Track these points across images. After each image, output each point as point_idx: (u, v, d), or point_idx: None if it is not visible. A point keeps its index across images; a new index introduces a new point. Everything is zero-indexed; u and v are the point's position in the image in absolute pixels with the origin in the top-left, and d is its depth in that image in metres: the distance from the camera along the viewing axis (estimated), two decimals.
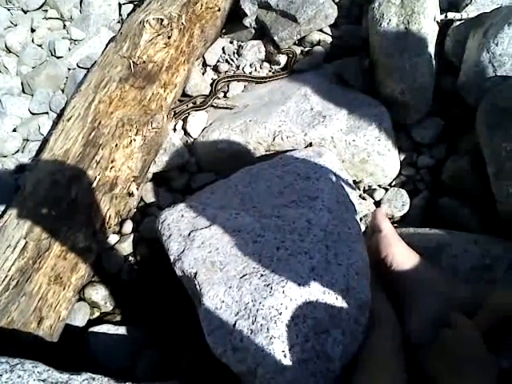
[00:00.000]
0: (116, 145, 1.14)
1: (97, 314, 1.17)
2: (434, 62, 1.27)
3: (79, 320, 1.14)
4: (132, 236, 1.23)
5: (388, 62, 1.25)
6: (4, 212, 1.15)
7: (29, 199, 1.09)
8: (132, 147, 1.16)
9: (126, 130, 1.16)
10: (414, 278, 0.91)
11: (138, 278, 1.18)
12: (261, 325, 0.77)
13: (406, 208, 1.19)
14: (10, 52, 1.69)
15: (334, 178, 1.04)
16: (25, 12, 1.78)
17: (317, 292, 0.80)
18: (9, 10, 1.79)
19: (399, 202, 1.20)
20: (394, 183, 1.26)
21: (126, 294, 1.17)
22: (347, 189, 1.05)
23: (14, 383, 0.77)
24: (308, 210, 0.94)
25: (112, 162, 1.13)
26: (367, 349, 0.82)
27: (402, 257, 0.93)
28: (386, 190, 1.24)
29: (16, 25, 1.74)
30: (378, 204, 1.23)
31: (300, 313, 0.78)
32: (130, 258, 1.22)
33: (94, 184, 1.10)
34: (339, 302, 0.81)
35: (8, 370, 0.78)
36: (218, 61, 1.57)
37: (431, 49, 1.27)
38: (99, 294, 1.17)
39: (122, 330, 1.11)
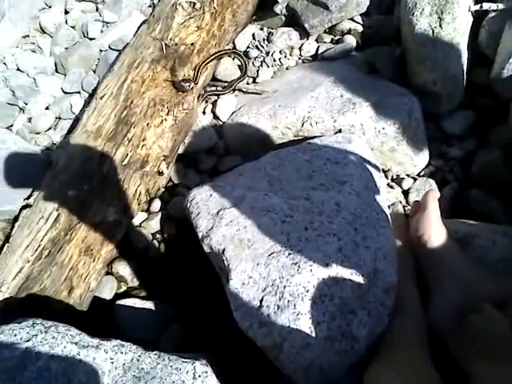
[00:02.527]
0: (147, 124, 1.16)
1: (124, 288, 1.19)
2: (467, 53, 1.26)
3: (106, 293, 1.16)
4: (160, 214, 1.25)
5: (420, 51, 1.25)
6: (37, 186, 1.17)
7: (61, 173, 1.11)
8: (163, 127, 1.17)
9: (158, 110, 1.18)
10: (443, 263, 0.92)
11: (164, 256, 1.20)
12: (288, 301, 0.78)
13: None
14: (45, 33, 1.72)
15: (363, 164, 1.04)
16: None
17: (344, 273, 0.81)
18: None
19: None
20: (422, 173, 1.26)
21: (152, 271, 1.19)
22: (376, 175, 1.05)
23: (49, 344, 0.79)
24: (337, 193, 0.95)
25: (143, 140, 1.14)
26: (392, 334, 0.82)
27: (437, 240, 0.94)
28: (415, 179, 1.24)
29: (50, 6, 1.76)
30: (406, 193, 1.23)
31: (327, 291, 0.78)
32: (157, 235, 1.24)
33: (126, 161, 1.11)
34: (366, 283, 0.81)
35: (43, 331, 0.81)
36: (248, 47, 1.57)
37: (465, 39, 1.26)
38: (126, 269, 1.19)
39: (148, 305, 1.13)
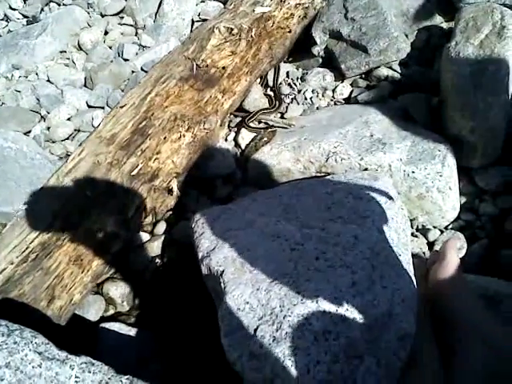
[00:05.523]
0: (165, 137, 1.11)
1: (111, 311, 1.10)
2: (509, 106, 1.19)
3: (92, 314, 1.07)
4: (163, 237, 1.18)
5: (460, 98, 1.18)
6: (39, 188, 1.11)
7: (67, 176, 1.06)
8: (180, 143, 1.12)
9: (178, 125, 1.13)
10: (467, 321, 0.80)
11: (161, 280, 1.11)
12: (286, 333, 0.68)
13: (463, 252, 1.08)
14: (81, 49, 1.73)
15: (387, 203, 0.95)
16: (102, 16, 1.84)
17: (355, 310, 0.70)
18: (88, 13, 1.86)
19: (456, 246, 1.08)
20: (450, 226, 1.16)
21: (145, 295, 1.09)
22: (401, 217, 0.95)
23: (8, 349, 0.70)
24: (356, 226, 0.86)
25: (157, 153, 1.09)
26: None
27: (457, 293, 0.82)
28: (442, 231, 1.14)
29: (91, 26, 1.79)
30: (430, 245, 1.12)
31: (333, 328, 0.68)
32: (157, 259, 1.15)
33: (135, 171, 1.06)
34: (379, 326, 0.70)
35: (5, 334, 0.72)
36: (281, 83, 1.54)
37: (508, 92, 1.19)
38: (118, 290, 1.10)
39: (133, 332, 1.03)
